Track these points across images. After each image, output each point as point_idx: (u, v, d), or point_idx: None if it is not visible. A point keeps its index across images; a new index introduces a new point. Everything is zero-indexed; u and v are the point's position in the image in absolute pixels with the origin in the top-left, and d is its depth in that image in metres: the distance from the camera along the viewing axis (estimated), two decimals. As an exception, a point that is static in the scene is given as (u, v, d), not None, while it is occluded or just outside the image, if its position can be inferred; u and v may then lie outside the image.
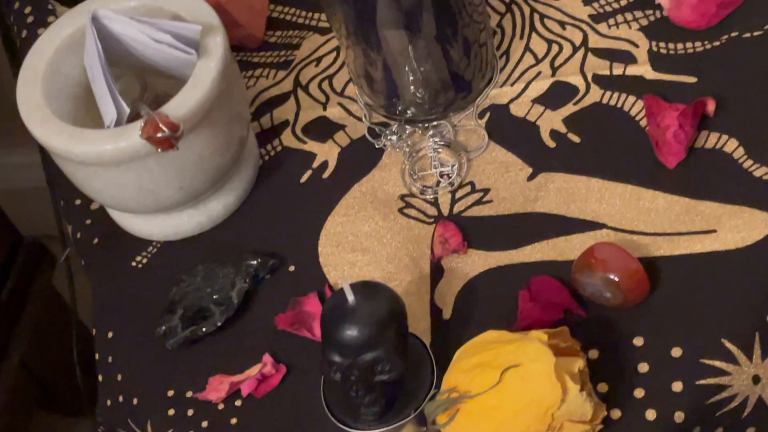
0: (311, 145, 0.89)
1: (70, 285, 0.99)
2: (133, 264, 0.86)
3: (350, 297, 0.68)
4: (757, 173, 0.77)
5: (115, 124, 0.77)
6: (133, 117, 0.78)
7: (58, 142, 0.77)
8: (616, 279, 0.72)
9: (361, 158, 0.87)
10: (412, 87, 0.84)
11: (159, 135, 0.70)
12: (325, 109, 0.90)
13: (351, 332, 0.68)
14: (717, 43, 0.84)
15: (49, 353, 1.45)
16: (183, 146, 0.77)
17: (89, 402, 0.90)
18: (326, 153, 0.88)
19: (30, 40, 1.03)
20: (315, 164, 0.88)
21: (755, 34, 0.83)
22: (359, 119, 0.89)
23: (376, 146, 0.87)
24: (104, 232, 0.88)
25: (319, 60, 0.94)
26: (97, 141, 0.76)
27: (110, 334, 0.83)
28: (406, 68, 0.83)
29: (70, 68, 0.83)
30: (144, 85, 0.86)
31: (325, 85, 0.92)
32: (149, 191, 0.79)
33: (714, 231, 0.75)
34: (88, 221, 0.90)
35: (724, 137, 0.79)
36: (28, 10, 1.07)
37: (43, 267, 1.49)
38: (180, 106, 0.76)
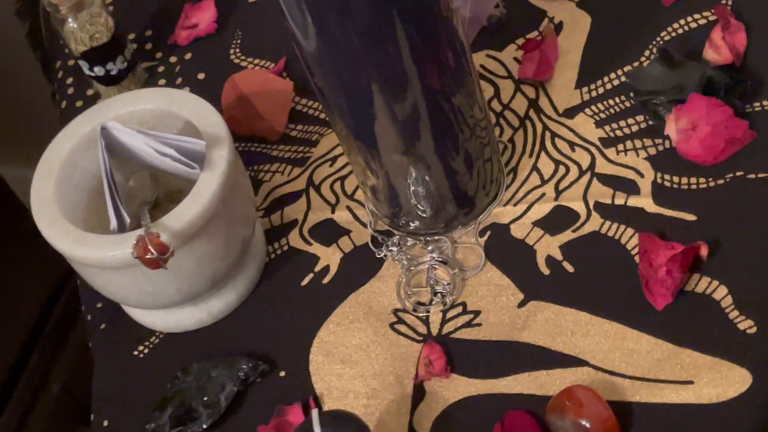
0: (316, 248, 0.91)
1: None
2: (136, 353, 0.89)
3: (317, 429, 0.70)
4: (741, 326, 0.76)
5: (118, 229, 0.80)
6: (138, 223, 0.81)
7: (63, 244, 0.80)
8: (588, 425, 0.73)
9: (361, 266, 0.89)
10: (413, 200, 0.86)
11: (148, 256, 0.73)
12: (333, 211, 0.92)
13: (314, 464, 0.69)
14: (721, 181, 0.84)
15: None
16: (181, 253, 0.80)
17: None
18: (329, 257, 0.90)
19: (68, 112, 1.08)
20: (317, 268, 0.90)
21: (760, 175, 0.83)
22: (365, 226, 0.91)
23: (377, 256, 0.89)
24: (112, 318, 0.91)
25: (334, 160, 0.96)
26: (98, 246, 0.79)
27: (105, 423, 0.86)
28: (407, 181, 0.84)
29: (88, 162, 0.86)
30: (156, 181, 0.89)
31: (337, 186, 0.94)
32: (147, 293, 0.82)
33: (691, 382, 0.75)
34: (99, 304, 0.93)
35: (715, 283, 0.79)
36: (69, 80, 1.11)
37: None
38: (178, 218, 0.78)
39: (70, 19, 0.99)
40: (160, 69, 1.08)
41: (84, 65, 1.03)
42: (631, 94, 0.90)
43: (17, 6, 1.29)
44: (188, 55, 1.08)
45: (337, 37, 0.73)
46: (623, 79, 0.92)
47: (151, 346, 0.89)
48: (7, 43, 1.46)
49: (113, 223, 0.80)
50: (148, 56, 1.10)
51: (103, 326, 0.92)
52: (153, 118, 0.86)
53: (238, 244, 0.85)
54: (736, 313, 0.77)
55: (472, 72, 0.81)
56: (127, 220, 0.79)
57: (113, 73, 1.03)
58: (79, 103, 1.09)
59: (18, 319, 1.43)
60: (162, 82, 1.07)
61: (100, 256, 0.79)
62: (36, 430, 1.42)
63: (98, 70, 1.03)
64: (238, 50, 1.07)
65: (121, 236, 0.78)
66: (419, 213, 0.87)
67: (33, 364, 1.43)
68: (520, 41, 0.98)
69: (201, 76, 1.06)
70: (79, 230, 0.80)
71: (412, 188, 0.85)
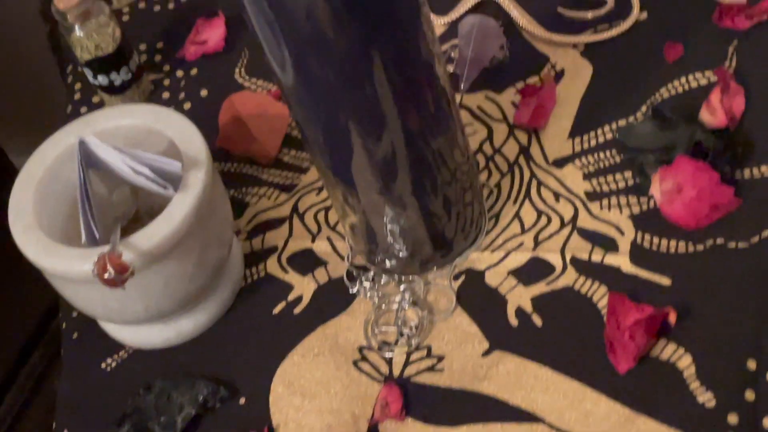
0: (292, 277, 0.91)
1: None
2: (103, 365, 0.90)
3: None
4: (701, 399, 0.75)
5: (89, 243, 0.80)
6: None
7: (31, 252, 0.80)
8: (532, 485, 0.72)
9: (333, 299, 0.88)
10: (389, 238, 0.85)
11: (106, 276, 0.73)
12: (313, 240, 0.92)
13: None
14: (701, 247, 0.82)
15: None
16: (149, 272, 0.80)
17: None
18: (303, 287, 0.90)
19: (73, 117, 1.09)
20: (291, 297, 0.89)
21: (740, 245, 0.81)
22: (342, 258, 0.90)
23: (350, 290, 0.88)
24: (84, 328, 0.92)
25: (321, 189, 0.95)
26: (65, 259, 0.79)
27: (64, 433, 0.87)
28: (384, 219, 0.84)
29: (71, 172, 0.86)
30: (137, 196, 0.89)
31: (321, 216, 0.94)
32: (114, 309, 0.83)
33: (644, 452, 0.74)
34: (74, 314, 0.93)
35: (680, 350, 0.78)
36: (78, 86, 1.13)
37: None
38: (146, 238, 0.79)
39: (77, 28, 1.00)
40: (166, 82, 1.09)
41: (88, 73, 1.04)
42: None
43: (41, 7, 1.31)
44: (194, 71, 1.09)
45: (314, 73, 0.73)
46: (616, 134, 0.91)
47: (119, 359, 0.90)
48: (33, 36, 1.48)
49: (84, 236, 0.80)
50: (156, 68, 1.11)
51: (75, 335, 0.92)
52: (138, 134, 0.87)
53: (210, 266, 0.85)
54: (697, 384, 0.76)
55: (455, 115, 0.81)
56: (97, 235, 0.80)
57: (117, 83, 1.04)
58: (83, 110, 1.10)
59: (22, 319, 1.45)
60: (166, 95, 1.08)
61: (66, 269, 0.79)
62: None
63: (102, 80, 1.04)
64: (243, 70, 1.07)
65: (88, 251, 0.79)
66: (395, 252, 0.86)
67: (31, 365, 1.44)
68: (520, 85, 0.97)
69: (204, 92, 1.06)
70: (50, 241, 0.81)
71: (389, 227, 0.84)
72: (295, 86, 0.75)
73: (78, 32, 1.01)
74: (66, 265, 0.79)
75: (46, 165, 0.86)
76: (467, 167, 0.84)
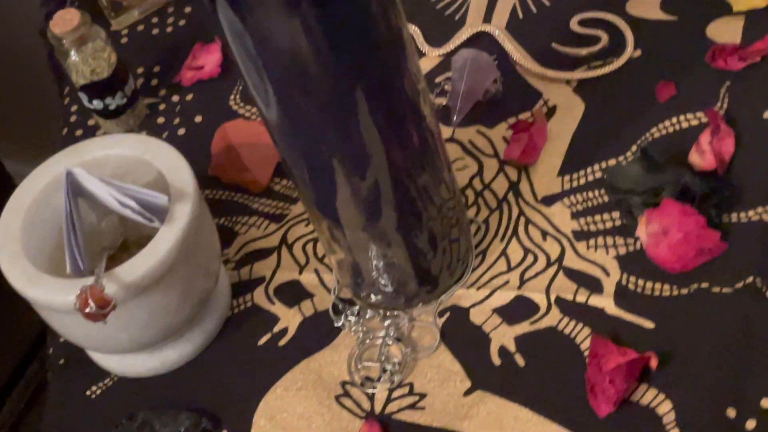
0: (278, 308, 0.91)
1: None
2: (88, 393, 0.90)
3: None
4: (679, 447, 0.75)
5: (73, 274, 0.81)
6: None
7: (16, 282, 0.81)
8: None
9: (318, 333, 0.88)
10: (374, 273, 0.85)
11: (87, 310, 0.73)
12: (301, 272, 0.92)
13: None
14: (685, 291, 0.82)
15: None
16: (132, 305, 0.80)
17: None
18: (289, 319, 0.90)
19: (68, 139, 1.10)
20: (276, 329, 0.89)
21: (724, 290, 0.81)
22: (329, 291, 0.91)
23: (335, 324, 0.88)
24: (71, 354, 0.92)
25: (309, 220, 0.96)
26: (49, 289, 0.80)
27: (46, 460, 0.87)
28: (369, 254, 0.84)
29: (58, 200, 0.87)
30: (125, 225, 0.90)
31: (309, 247, 0.94)
32: (98, 339, 0.83)
33: (619, 499, 0.74)
34: (62, 339, 0.94)
35: (661, 396, 0.77)
36: (74, 108, 1.13)
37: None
38: (130, 271, 0.79)
39: (73, 52, 1.01)
40: (162, 107, 1.09)
41: (84, 97, 1.04)
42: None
43: (41, 27, 1.31)
44: (190, 96, 1.09)
45: (298, 110, 0.73)
46: (605, 174, 0.90)
47: (104, 387, 0.90)
48: (31, 43, 1.49)
49: (68, 267, 0.80)
50: (153, 92, 1.11)
51: (61, 361, 0.92)
52: (128, 164, 0.87)
53: (196, 298, 0.86)
54: (677, 430, 0.75)
55: (441, 152, 0.81)
56: (82, 266, 0.80)
57: (111, 107, 1.05)
58: (79, 132, 1.10)
59: (11, 345, 1.45)
60: (161, 120, 1.08)
61: (49, 300, 0.80)
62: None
63: (97, 104, 1.04)
64: (238, 97, 1.07)
65: (72, 282, 0.79)
66: (381, 287, 0.86)
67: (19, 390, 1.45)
68: (512, 120, 0.97)
69: (198, 118, 1.07)
70: (35, 270, 0.81)
71: (374, 262, 0.84)
72: (279, 122, 0.75)
73: (74, 57, 1.01)
74: (50, 295, 0.79)
75: (36, 192, 0.86)
76: (454, 203, 0.85)
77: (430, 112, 0.78)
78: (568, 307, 0.84)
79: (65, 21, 1.00)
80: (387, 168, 0.77)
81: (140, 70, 1.13)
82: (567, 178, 0.92)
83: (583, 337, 0.82)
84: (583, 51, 0.99)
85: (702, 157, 0.87)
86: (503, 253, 0.89)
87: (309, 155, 0.77)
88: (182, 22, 1.17)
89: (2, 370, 1.42)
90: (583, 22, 1.01)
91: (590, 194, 0.90)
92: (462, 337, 0.85)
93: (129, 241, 0.91)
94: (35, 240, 0.85)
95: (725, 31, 0.97)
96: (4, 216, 0.85)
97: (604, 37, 0.99)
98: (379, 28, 0.71)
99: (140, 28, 1.18)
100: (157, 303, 0.82)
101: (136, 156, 0.87)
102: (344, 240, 0.84)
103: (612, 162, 0.91)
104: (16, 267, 0.82)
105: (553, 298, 0.85)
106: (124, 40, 1.17)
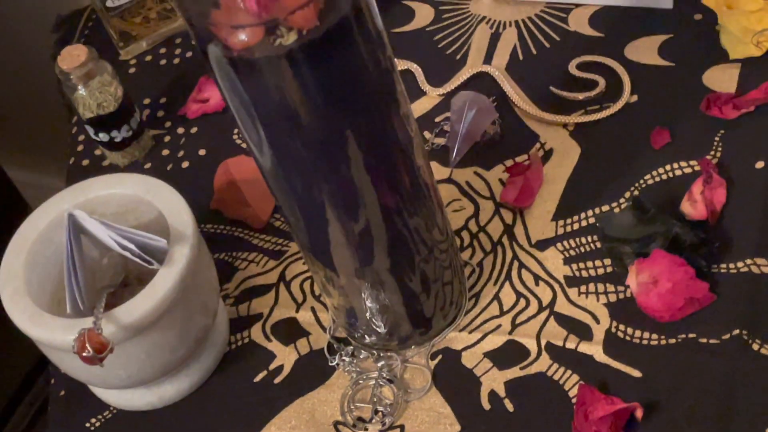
0: (275, 345, 0.92)
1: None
2: (88, 425, 0.92)
3: None
4: (661, 498, 0.76)
5: (73, 314, 0.83)
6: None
7: (18, 320, 0.83)
8: None
9: (313, 371, 0.90)
10: (368, 315, 0.87)
11: (84, 354, 0.75)
12: (298, 310, 0.94)
13: None
14: (673, 341, 0.84)
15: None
16: (130, 344, 0.82)
17: None
18: (285, 357, 0.92)
19: (75, 169, 1.12)
20: (272, 366, 0.91)
21: (711, 341, 0.83)
22: (324, 330, 0.92)
23: (330, 363, 0.90)
24: (72, 386, 0.94)
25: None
26: (49, 329, 0.81)
27: (46, 491, 0.89)
28: (362, 296, 0.85)
29: (61, 237, 0.88)
30: (126, 262, 0.92)
31: (306, 285, 0.96)
32: (97, 375, 0.85)
33: None
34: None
35: (646, 446, 0.79)
36: (81, 138, 1.15)
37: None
38: (128, 312, 0.81)
39: (80, 87, 1.03)
40: (167, 139, 1.11)
41: (90, 130, 1.06)
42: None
43: (52, 52, 1.34)
44: (194, 129, 1.11)
45: (289, 154, 0.74)
46: (597, 222, 0.92)
47: (103, 420, 0.92)
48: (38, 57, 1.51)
49: (69, 307, 0.82)
50: (158, 123, 1.13)
51: (62, 393, 0.94)
52: (130, 203, 0.89)
53: (193, 335, 0.87)
54: (659, 482, 0.77)
55: (432, 195, 0.82)
56: (82, 306, 0.82)
57: (117, 140, 1.07)
58: (85, 162, 1.12)
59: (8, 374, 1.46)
60: (165, 152, 1.10)
61: (49, 339, 0.81)
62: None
63: (103, 136, 1.06)
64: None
65: (71, 322, 0.81)
66: (375, 328, 0.88)
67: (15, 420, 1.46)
68: (509, 163, 0.99)
69: (202, 152, 1.09)
70: (36, 308, 0.83)
71: (368, 304, 0.86)
72: (271, 167, 0.77)
73: (81, 91, 1.03)
74: (49, 335, 0.81)
75: (39, 229, 0.88)
76: (446, 246, 0.86)
77: (422, 155, 0.79)
78: (558, 353, 0.86)
79: (73, 57, 1.02)
80: (379, 212, 0.78)
81: (147, 101, 1.15)
82: (561, 222, 0.93)
83: (571, 384, 0.84)
84: (581, 96, 1.00)
85: (693, 206, 0.89)
86: (496, 296, 0.90)
87: (301, 199, 0.78)
88: (189, 54, 1.19)
89: (2, 394, 1.44)
90: (581, 66, 1.03)
91: (583, 240, 0.92)
92: (453, 380, 0.87)
93: (130, 276, 0.93)
94: (37, 276, 0.87)
95: (721, 79, 0.98)
96: (8, 253, 0.87)
97: (601, 82, 1.01)
98: (370, 77, 0.73)
99: (148, 58, 1.20)
100: (155, 342, 0.84)
101: (138, 196, 0.88)
102: (338, 282, 0.85)
103: (605, 208, 0.93)
104: (18, 305, 0.84)
105: (543, 343, 0.86)
106: (132, 69, 1.19)
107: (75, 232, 0.85)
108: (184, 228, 0.85)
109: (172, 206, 0.87)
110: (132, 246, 0.82)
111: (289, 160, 0.75)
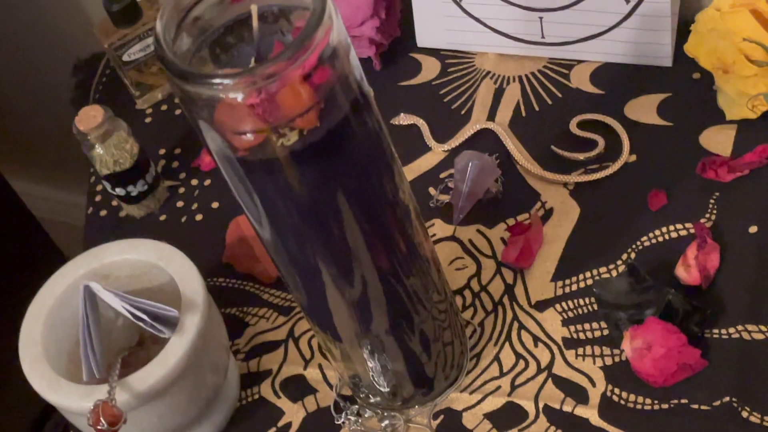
0: (283, 402, 0.96)
1: None
2: (104, 478, 0.96)
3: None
4: None
5: (89, 381, 0.87)
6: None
7: (37, 385, 0.87)
8: None
9: (320, 429, 0.93)
10: (370, 374, 0.90)
11: (99, 426, 0.79)
12: (305, 367, 0.97)
13: None
14: (665, 406, 0.87)
15: None
16: (143, 410, 0.86)
17: None
18: (293, 414, 0.95)
19: (93, 218, 1.15)
20: (280, 423, 0.95)
21: (702, 407, 0.85)
22: (331, 387, 0.96)
23: (336, 422, 0.93)
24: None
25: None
26: (66, 396, 0.86)
27: None
28: (364, 357, 0.89)
29: (78, 301, 0.92)
30: (140, 329, 0.95)
31: (314, 342, 0.99)
32: (112, 437, 0.89)
33: None
34: (81, 423, 1.00)
35: (637, 504, 0.82)
36: (99, 188, 1.19)
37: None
38: (141, 381, 0.85)
39: (97, 146, 1.06)
40: (181, 190, 1.15)
41: (107, 185, 1.10)
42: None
43: (71, 95, 1.38)
44: (208, 181, 1.14)
45: (285, 226, 0.77)
46: (594, 287, 0.94)
47: (118, 473, 0.96)
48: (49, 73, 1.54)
49: (84, 375, 0.86)
50: (173, 174, 1.16)
51: (73, 438, 0.99)
52: (143, 267, 0.93)
53: (204, 396, 0.91)
54: None
55: (428, 256, 0.85)
56: (96, 374, 0.86)
57: (133, 194, 1.10)
58: (103, 212, 1.16)
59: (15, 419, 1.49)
60: (180, 204, 1.13)
61: (66, 405, 0.86)
62: None
63: (119, 191, 1.10)
64: (253, 184, 1.12)
65: (87, 389, 0.85)
66: (378, 388, 0.91)
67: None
68: (511, 221, 1.01)
69: (215, 204, 1.12)
70: (54, 374, 0.87)
71: (369, 365, 0.89)
72: (270, 237, 0.79)
73: (98, 149, 1.07)
74: (67, 401, 0.85)
75: (57, 295, 0.92)
76: (445, 306, 0.89)
77: (415, 216, 0.82)
78: (555, 416, 0.89)
79: (89, 118, 1.05)
80: (374, 274, 0.81)
81: (162, 152, 1.19)
82: (560, 283, 0.96)
83: (567, 447, 0.87)
84: (581, 156, 1.03)
85: (688, 271, 0.91)
86: (496, 357, 0.94)
87: (298, 265, 0.81)
88: (203, 104, 1.22)
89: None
90: (582, 124, 1.05)
91: (581, 301, 0.94)
92: (454, 440, 0.90)
93: (144, 335, 0.97)
94: (55, 340, 0.91)
95: (717, 140, 1.00)
96: (27, 318, 0.91)
97: (601, 142, 1.03)
98: (370, 163, 0.76)
99: (163, 107, 1.23)
100: (167, 406, 0.88)
101: (150, 262, 0.92)
102: (339, 343, 0.89)
103: (603, 269, 0.95)
104: (37, 371, 0.88)
105: (541, 406, 0.90)
106: (149, 119, 1.23)
107: (91, 300, 0.88)
108: (195, 296, 0.89)
109: (184, 273, 0.91)
110: (145, 316, 0.86)
111: (286, 231, 0.78)
